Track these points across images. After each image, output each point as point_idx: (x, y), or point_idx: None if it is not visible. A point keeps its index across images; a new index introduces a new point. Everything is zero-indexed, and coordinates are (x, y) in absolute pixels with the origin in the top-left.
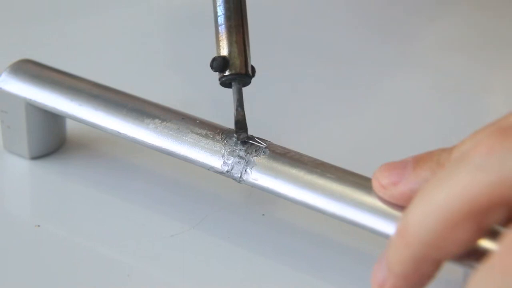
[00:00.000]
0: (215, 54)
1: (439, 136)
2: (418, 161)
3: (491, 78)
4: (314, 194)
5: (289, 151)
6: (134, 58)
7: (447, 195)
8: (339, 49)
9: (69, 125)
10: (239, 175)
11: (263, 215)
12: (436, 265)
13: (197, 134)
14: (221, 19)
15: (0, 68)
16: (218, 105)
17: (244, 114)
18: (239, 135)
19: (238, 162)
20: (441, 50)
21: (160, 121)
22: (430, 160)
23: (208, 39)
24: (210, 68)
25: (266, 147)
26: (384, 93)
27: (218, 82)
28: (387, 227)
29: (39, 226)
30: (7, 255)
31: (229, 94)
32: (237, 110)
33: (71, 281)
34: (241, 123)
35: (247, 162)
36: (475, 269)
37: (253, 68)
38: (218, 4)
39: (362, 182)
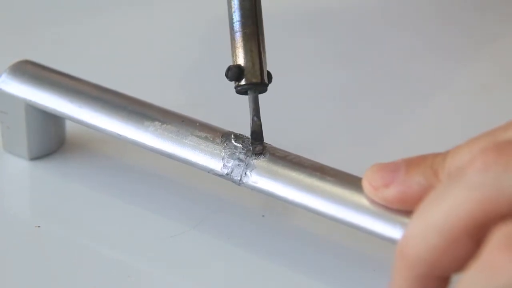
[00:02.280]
0: (221, 58)
1: (442, 140)
2: (411, 164)
3: None
4: (314, 197)
5: (289, 154)
6: (135, 60)
7: (443, 214)
8: (340, 51)
9: (69, 125)
10: (239, 178)
11: (263, 216)
12: (444, 282)
13: (197, 136)
14: (236, 26)
15: (0, 69)
16: (219, 108)
17: (261, 124)
18: (255, 147)
19: (238, 165)
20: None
21: (160, 123)
22: (424, 164)
23: (210, 40)
24: (210, 71)
25: (266, 150)
26: (384, 94)
27: (218, 85)
28: (387, 230)
29: (39, 226)
30: (8, 256)
31: (230, 96)
32: (253, 120)
33: (71, 282)
34: (257, 133)
35: (247, 165)
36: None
37: (269, 74)
38: (233, 10)
39: (361, 185)
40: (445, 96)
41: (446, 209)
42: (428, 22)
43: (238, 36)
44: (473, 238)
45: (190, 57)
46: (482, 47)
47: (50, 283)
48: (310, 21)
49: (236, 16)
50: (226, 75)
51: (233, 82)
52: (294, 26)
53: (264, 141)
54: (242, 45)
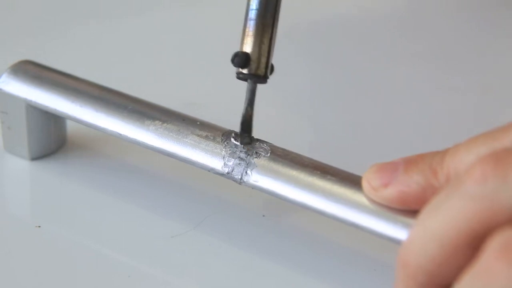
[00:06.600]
0: (222, 57)
1: (444, 138)
2: (409, 163)
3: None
4: (315, 196)
5: (290, 152)
6: (135, 59)
7: (442, 224)
8: (343, 51)
9: (69, 126)
10: (239, 177)
11: (263, 216)
12: None
13: (198, 135)
14: (252, 14)
15: (1, 69)
16: (219, 107)
17: (252, 115)
18: (243, 138)
19: (239, 163)
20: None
21: (160, 122)
22: (422, 162)
23: (211, 39)
24: (211, 70)
25: (266, 149)
26: (386, 94)
27: (219, 84)
28: (388, 229)
29: (39, 226)
30: (8, 256)
31: (231, 96)
32: (246, 109)
33: (71, 282)
34: (247, 124)
35: (247, 164)
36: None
37: (272, 67)
38: None
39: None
40: (446, 96)
41: (445, 219)
42: (428, 24)
43: (253, 25)
44: (471, 247)
45: (190, 56)
46: (482, 47)
47: (50, 283)
48: (312, 24)
49: (255, 4)
50: (232, 60)
51: (236, 69)
52: (295, 29)
53: (266, 140)
54: (254, 34)
